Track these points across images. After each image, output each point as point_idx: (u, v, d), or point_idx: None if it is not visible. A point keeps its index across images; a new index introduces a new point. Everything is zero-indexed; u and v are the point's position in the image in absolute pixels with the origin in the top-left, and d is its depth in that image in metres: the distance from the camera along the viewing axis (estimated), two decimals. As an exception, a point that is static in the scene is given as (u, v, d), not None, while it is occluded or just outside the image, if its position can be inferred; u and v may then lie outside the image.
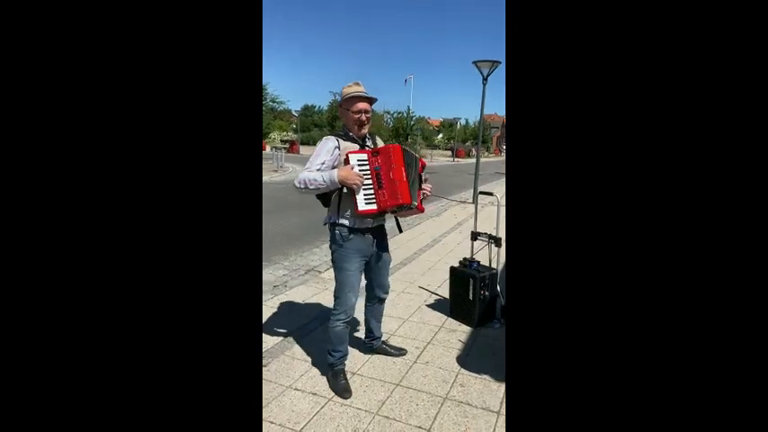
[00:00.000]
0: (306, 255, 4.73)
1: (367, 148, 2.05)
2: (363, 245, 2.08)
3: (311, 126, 40.10)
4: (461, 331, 2.89)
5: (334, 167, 1.97)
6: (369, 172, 1.95)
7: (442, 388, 2.20)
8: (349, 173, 1.90)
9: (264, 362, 2.38)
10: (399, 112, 36.41)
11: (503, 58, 8.62)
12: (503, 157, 38.85)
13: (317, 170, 1.95)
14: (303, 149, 27.07)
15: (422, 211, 2.08)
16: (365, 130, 2.07)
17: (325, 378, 2.22)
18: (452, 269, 3.11)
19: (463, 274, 2.98)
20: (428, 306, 3.32)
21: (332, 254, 2.13)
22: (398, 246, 4.96)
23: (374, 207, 1.95)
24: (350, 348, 2.29)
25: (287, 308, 3.19)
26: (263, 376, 2.23)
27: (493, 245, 3.07)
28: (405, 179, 1.92)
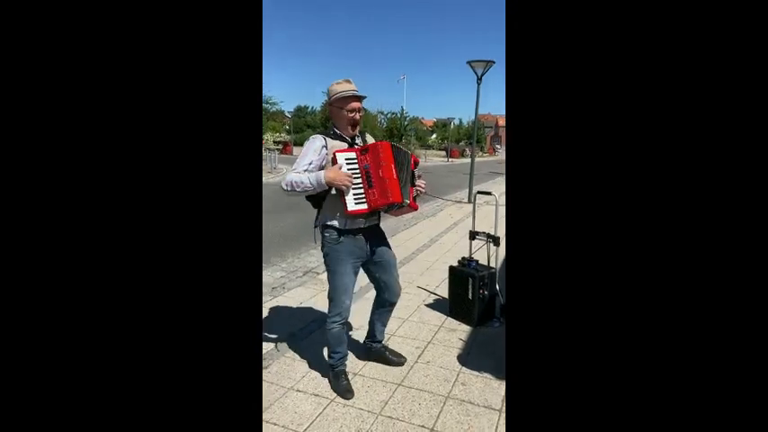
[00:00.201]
0: (303, 256, 4.72)
1: (356, 147, 2.00)
2: (356, 246, 2.03)
3: (304, 127, 40.01)
4: (461, 330, 2.90)
5: (321, 167, 1.93)
6: (358, 171, 1.90)
7: (444, 387, 2.21)
8: (337, 173, 1.86)
9: (265, 364, 2.37)
10: (393, 113, 36.46)
11: (495, 58, 8.66)
12: (497, 157, 39.02)
13: (305, 171, 1.90)
14: (297, 150, 27.03)
15: (415, 208, 2.02)
16: (357, 129, 2.04)
17: (326, 379, 2.22)
18: (451, 268, 3.12)
19: (462, 274, 2.99)
20: (427, 306, 3.33)
21: (324, 257, 2.07)
22: (396, 246, 4.95)
23: (364, 207, 1.90)
24: (350, 349, 2.29)
25: (286, 310, 3.18)
26: (264, 378, 2.23)
27: (491, 244, 3.09)
28: (395, 177, 1.87)
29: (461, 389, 2.20)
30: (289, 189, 1.88)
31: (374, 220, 2.09)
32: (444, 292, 3.47)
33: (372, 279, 2.20)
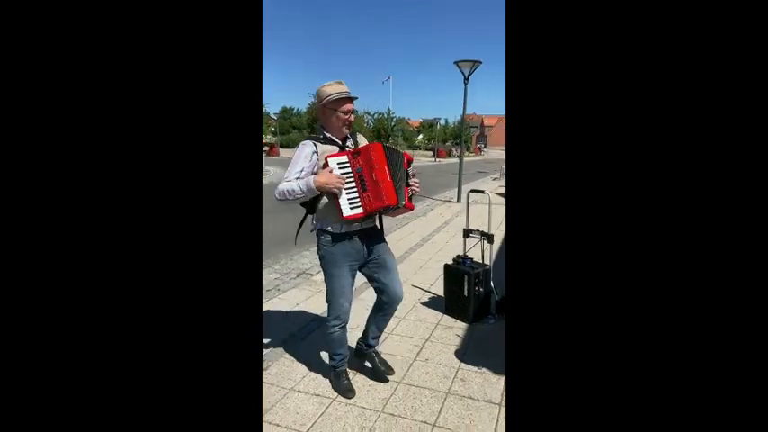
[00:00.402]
0: (296, 258, 4.71)
1: (348, 149, 1.97)
2: (352, 249, 2.00)
3: (290, 128, 39.78)
4: (458, 327, 2.93)
5: (314, 173, 1.90)
6: (351, 175, 1.88)
7: (444, 383, 2.23)
8: (328, 177, 1.84)
9: (264, 365, 2.37)
10: (380, 113, 36.49)
11: (479, 58, 8.73)
12: (483, 156, 39.32)
13: (296, 179, 1.88)
14: (283, 152, 26.87)
15: (411, 208, 1.99)
16: (349, 130, 2.02)
17: (326, 379, 2.23)
18: (447, 266, 3.15)
19: (458, 271, 3.02)
20: (423, 304, 3.35)
21: (320, 259, 2.06)
22: (389, 245, 4.97)
23: (360, 211, 1.88)
24: (350, 349, 2.29)
25: (282, 312, 3.17)
26: (264, 380, 2.22)
27: (485, 241, 3.13)
28: (389, 179, 1.86)
29: (461, 384, 2.22)
30: (282, 199, 1.88)
31: (370, 222, 2.07)
32: (439, 290, 3.50)
33: (371, 281, 2.15)
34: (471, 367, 2.39)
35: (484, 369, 2.37)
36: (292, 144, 34.56)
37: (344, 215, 1.88)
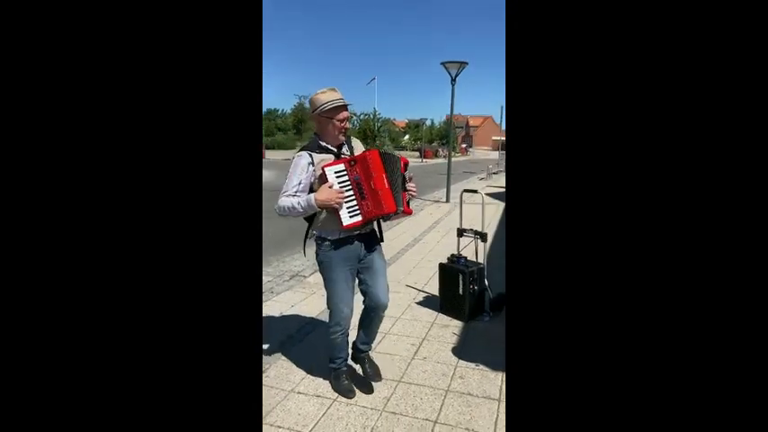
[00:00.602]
0: (288, 260, 4.69)
1: (344, 157, 1.97)
2: (350, 253, 2.00)
3: (275, 130, 39.48)
4: (453, 326, 2.95)
5: (311, 184, 1.91)
6: (349, 183, 1.88)
7: (443, 381, 2.25)
8: (328, 194, 1.83)
9: (263, 368, 2.35)
10: (366, 114, 36.48)
11: (464, 58, 8.79)
12: (469, 156, 39.61)
13: (295, 192, 1.89)
14: (269, 154, 26.67)
15: (409, 213, 2.00)
16: (344, 137, 2.02)
17: (326, 380, 2.22)
18: (441, 266, 3.17)
19: (453, 270, 3.05)
20: (418, 303, 3.37)
21: (319, 265, 2.05)
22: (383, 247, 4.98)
23: (359, 219, 1.89)
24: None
25: (277, 314, 3.16)
26: (264, 382, 2.21)
27: (479, 240, 3.16)
28: (387, 186, 1.86)
29: (460, 382, 2.24)
30: (283, 214, 1.89)
31: (368, 227, 2.06)
32: (433, 289, 3.52)
33: (359, 283, 2.13)
34: (469, 364, 2.42)
35: (481, 366, 2.40)
36: (277, 146, 34.29)
37: (344, 224, 1.88)
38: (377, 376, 2.23)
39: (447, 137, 10.01)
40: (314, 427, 1.89)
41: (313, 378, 2.27)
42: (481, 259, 3.17)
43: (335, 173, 1.88)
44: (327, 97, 1.92)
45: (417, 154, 32.19)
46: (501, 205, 8.61)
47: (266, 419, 1.93)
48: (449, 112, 9.27)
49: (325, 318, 2.29)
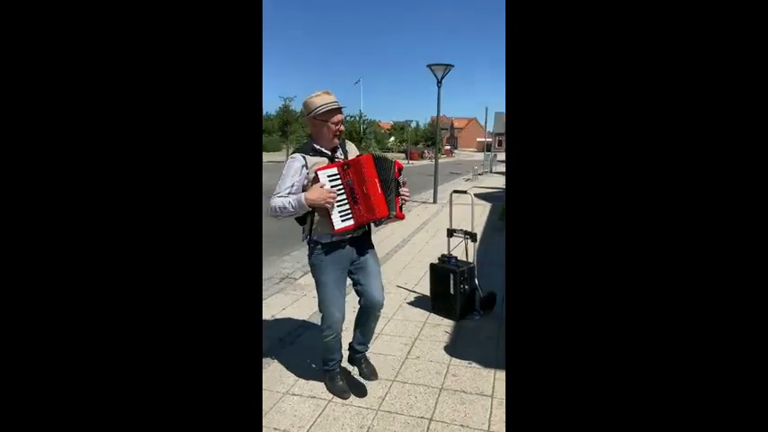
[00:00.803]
0: (276, 263, 4.66)
1: (337, 161, 1.96)
2: (342, 256, 2.00)
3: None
4: (445, 325, 2.98)
5: (304, 186, 1.91)
6: (342, 187, 1.88)
7: (437, 379, 2.27)
8: (319, 193, 1.84)
9: (256, 371, 2.33)
10: (351, 116, 36.43)
11: (449, 61, 8.87)
12: (454, 158, 39.88)
13: (288, 193, 1.88)
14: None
15: (402, 218, 1.98)
16: (338, 141, 2.02)
17: (320, 381, 2.21)
18: (432, 266, 3.19)
19: (444, 270, 3.08)
20: (409, 304, 3.39)
21: (310, 268, 2.06)
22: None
23: (351, 223, 1.90)
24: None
25: (268, 317, 3.13)
26: (257, 385, 2.20)
27: (469, 240, 3.20)
28: (380, 191, 1.86)
29: (453, 380, 2.27)
30: (275, 214, 1.89)
31: (360, 231, 2.05)
32: (423, 289, 3.54)
33: (354, 284, 2.12)
34: (462, 362, 2.44)
35: (474, 363, 2.42)
36: (263, 149, 34.01)
37: (336, 228, 1.88)
38: (373, 375, 2.23)
39: (432, 138, 10.04)
40: (310, 427, 1.88)
41: (307, 380, 2.26)
42: (471, 259, 3.21)
43: (328, 176, 1.88)
44: (322, 100, 1.92)
45: (403, 156, 32.29)
46: (488, 206, 8.71)
47: (262, 422, 1.92)
48: (434, 114, 9.33)
49: (316, 320, 2.30)
